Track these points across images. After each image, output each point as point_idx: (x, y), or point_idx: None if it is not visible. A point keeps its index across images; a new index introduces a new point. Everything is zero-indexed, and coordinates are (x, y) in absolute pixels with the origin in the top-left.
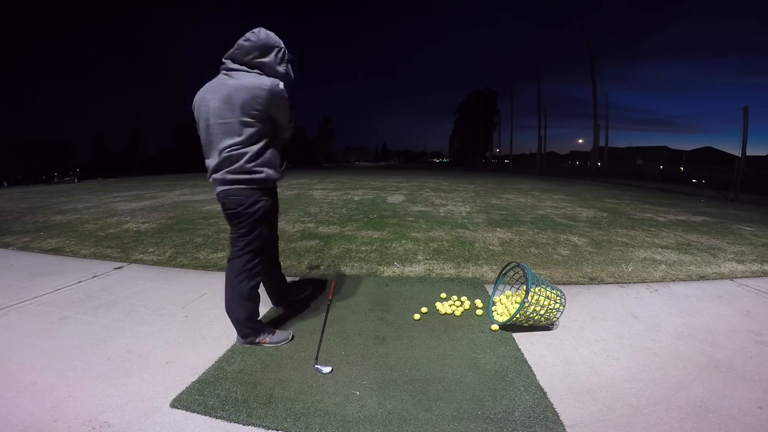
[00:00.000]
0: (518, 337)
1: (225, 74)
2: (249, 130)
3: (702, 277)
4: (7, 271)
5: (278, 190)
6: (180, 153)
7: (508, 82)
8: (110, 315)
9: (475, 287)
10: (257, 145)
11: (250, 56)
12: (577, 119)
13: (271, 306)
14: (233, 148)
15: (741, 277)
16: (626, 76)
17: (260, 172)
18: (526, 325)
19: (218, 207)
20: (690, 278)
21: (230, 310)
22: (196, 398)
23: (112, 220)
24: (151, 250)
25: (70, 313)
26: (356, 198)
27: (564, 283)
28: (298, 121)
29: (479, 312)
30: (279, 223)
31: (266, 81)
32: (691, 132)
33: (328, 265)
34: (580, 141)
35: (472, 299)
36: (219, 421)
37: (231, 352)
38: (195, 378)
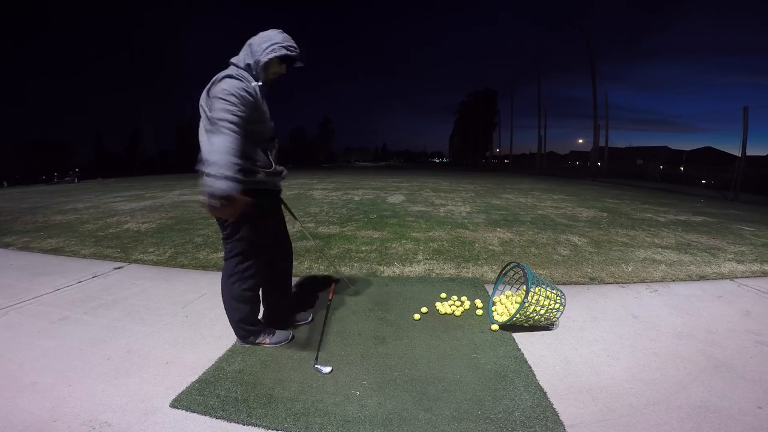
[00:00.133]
0: (518, 337)
1: None
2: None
3: (702, 277)
4: (7, 271)
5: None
6: (180, 153)
7: (508, 82)
8: (110, 315)
9: (475, 287)
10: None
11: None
12: (577, 119)
13: None
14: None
15: (741, 277)
16: (626, 76)
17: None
18: (526, 325)
19: None
20: (690, 278)
21: (225, 311)
22: (196, 398)
23: (112, 220)
24: (151, 250)
25: (70, 313)
26: (356, 198)
27: (564, 283)
28: (295, 122)
29: (479, 312)
30: None
31: (219, 75)
32: (691, 132)
33: (328, 265)
34: (580, 141)
35: (472, 299)
36: (219, 421)
37: (231, 352)
38: (195, 378)
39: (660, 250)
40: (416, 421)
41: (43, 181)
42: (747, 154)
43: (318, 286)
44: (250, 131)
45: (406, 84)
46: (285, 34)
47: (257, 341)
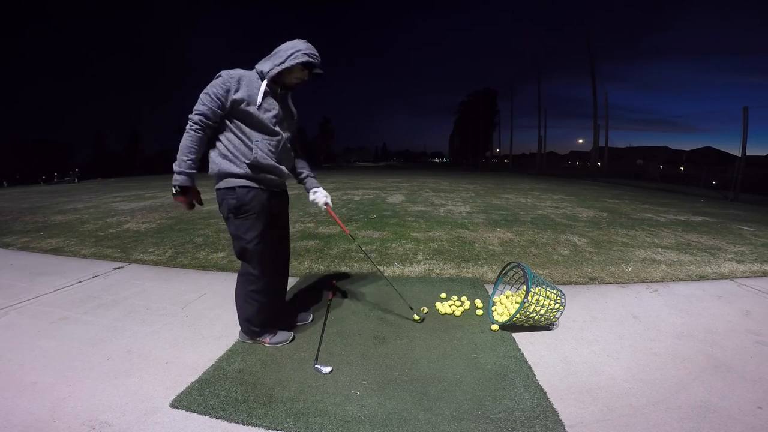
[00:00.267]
0: (518, 337)
1: None
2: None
3: (702, 277)
4: (7, 271)
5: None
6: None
7: (508, 82)
8: (110, 315)
9: (475, 287)
10: (220, 134)
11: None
12: (577, 119)
13: None
14: None
15: (741, 277)
16: (626, 76)
17: (215, 165)
18: (526, 325)
19: (218, 207)
20: (690, 278)
21: (236, 307)
22: (196, 398)
23: (112, 220)
24: (151, 250)
25: (70, 313)
26: (356, 198)
27: (564, 283)
28: (301, 122)
29: (479, 312)
30: None
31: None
32: (691, 132)
33: (328, 265)
34: (580, 141)
35: (472, 299)
36: (219, 421)
37: (231, 352)
38: (195, 378)
39: (660, 250)
40: (416, 421)
41: (43, 181)
42: (747, 154)
43: (318, 286)
44: (237, 119)
45: (406, 84)
46: (309, 44)
47: (259, 339)
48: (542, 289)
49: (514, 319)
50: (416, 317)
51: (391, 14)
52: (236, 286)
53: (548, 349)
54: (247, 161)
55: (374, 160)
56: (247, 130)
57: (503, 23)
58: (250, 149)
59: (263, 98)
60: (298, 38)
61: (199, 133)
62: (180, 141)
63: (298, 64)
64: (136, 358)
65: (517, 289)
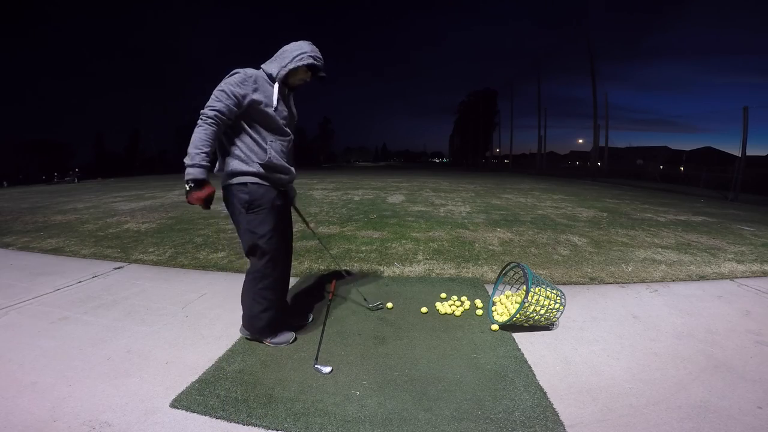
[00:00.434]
0: (518, 337)
1: None
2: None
3: (702, 277)
4: (7, 271)
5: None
6: (180, 153)
7: (508, 82)
8: (110, 315)
9: (475, 287)
10: (232, 134)
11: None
12: (577, 119)
13: None
14: None
15: (741, 277)
16: (626, 76)
17: (225, 164)
18: (526, 325)
19: (219, 207)
20: (690, 278)
21: (242, 304)
22: (196, 398)
23: (112, 220)
24: (151, 250)
25: (70, 313)
26: (356, 198)
27: (564, 283)
28: (297, 122)
29: (479, 312)
30: None
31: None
32: (691, 132)
33: (328, 265)
34: (580, 141)
35: (472, 299)
36: (219, 421)
37: (231, 352)
38: (195, 378)
39: (660, 250)
40: (416, 421)
41: (43, 181)
42: (747, 154)
43: (318, 286)
44: (251, 120)
45: (406, 84)
46: (314, 46)
47: (262, 339)
48: (542, 289)
49: (514, 319)
50: (369, 306)
51: (391, 14)
52: (244, 285)
53: (548, 349)
54: (260, 162)
55: (374, 160)
56: (262, 131)
57: (503, 23)
58: (264, 150)
59: (277, 100)
60: (303, 39)
61: (213, 127)
62: (192, 135)
63: (303, 66)
64: (136, 358)
65: (517, 289)
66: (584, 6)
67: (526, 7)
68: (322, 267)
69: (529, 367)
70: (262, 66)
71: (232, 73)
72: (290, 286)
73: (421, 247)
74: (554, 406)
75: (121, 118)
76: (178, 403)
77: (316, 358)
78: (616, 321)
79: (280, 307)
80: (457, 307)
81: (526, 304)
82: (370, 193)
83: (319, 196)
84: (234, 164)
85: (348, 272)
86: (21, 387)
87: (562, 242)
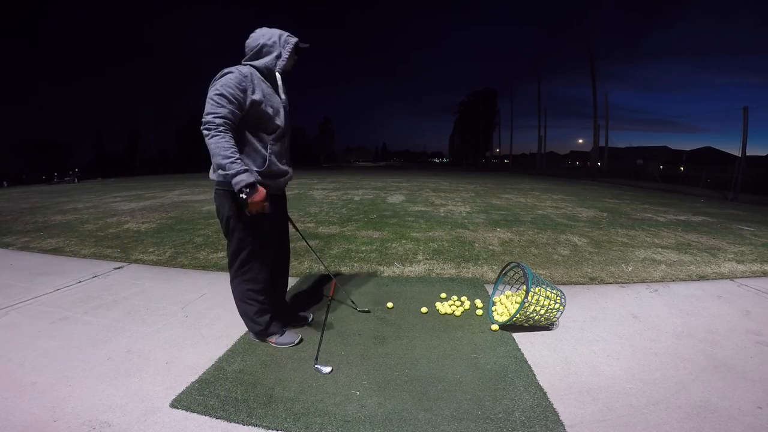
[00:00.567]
0: (518, 337)
1: None
2: None
3: (702, 277)
4: (7, 271)
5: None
6: (180, 153)
7: (508, 82)
8: (110, 315)
9: (475, 287)
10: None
11: (246, 57)
12: (577, 119)
13: None
14: None
15: (741, 277)
16: (626, 76)
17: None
18: (526, 325)
19: (218, 206)
20: (690, 278)
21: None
22: (196, 398)
23: (112, 220)
24: (151, 250)
25: (70, 313)
26: (356, 198)
27: (564, 283)
28: (295, 122)
29: (479, 312)
30: None
31: (222, 72)
32: (691, 132)
33: (328, 265)
34: (580, 141)
35: (472, 299)
36: (219, 421)
37: (231, 352)
38: (195, 378)
39: (660, 250)
40: (416, 421)
41: (43, 181)
42: (747, 154)
43: (318, 286)
44: (250, 123)
45: (406, 84)
46: (274, 28)
47: (266, 338)
48: (542, 289)
49: (514, 319)
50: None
51: (391, 14)
52: (232, 287)
53: (548, 349)
54: (258, 170)
55: (374, 160)
56: (261, 134)
57: (503, 23)
58: (264, 158)
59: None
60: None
61: (227, 133)
62: (210, 147)
63: (292, 47)
64: (136, 358)
65: (517, 289)
66: (584, 6)
67: (526, 7)
68: (321, 267)
69: (529, 367)
70: (248, 63)
71: (224, 72)
72: (290, 287)
73: (421, 247)
74: (554, 406)
75: (121, 118)
76: (178, 403)
77: (316, 358)
78: (616, 321)
79: (274, 308)
80: (457, 307)
81: (526, 304)
82: (370, 193)
83: (319, 196)
84: None
85: (335, 275)
86: (21, 387)
87: (562, 242)
